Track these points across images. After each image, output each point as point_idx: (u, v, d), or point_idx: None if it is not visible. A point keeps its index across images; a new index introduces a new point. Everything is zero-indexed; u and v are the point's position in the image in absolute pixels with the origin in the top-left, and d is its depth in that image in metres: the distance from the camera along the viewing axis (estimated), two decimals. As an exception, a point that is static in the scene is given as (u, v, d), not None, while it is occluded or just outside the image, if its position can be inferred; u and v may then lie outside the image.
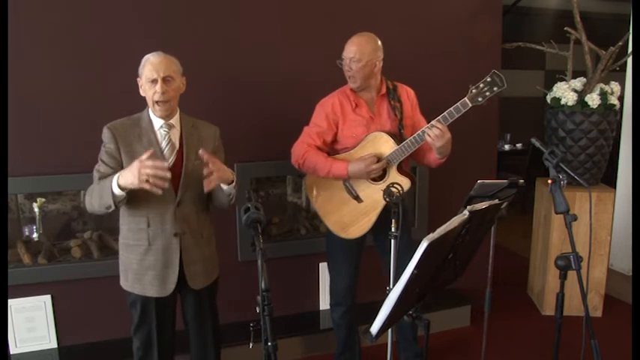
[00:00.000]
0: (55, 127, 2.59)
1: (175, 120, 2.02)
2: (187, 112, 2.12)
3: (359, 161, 2.33)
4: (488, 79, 2.22)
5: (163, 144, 1.99)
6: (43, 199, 2.88)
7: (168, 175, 1.78)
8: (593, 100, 3.25)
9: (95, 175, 1.96)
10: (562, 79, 3.43)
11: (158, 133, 1.99)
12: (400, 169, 2.38)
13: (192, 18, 2.72)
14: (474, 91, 2.23)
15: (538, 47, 3.56)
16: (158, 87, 1.91)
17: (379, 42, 2.36)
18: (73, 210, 2.98)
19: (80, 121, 2.58)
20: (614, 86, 3.35)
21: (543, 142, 2.09)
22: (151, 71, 1.91)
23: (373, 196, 2.36)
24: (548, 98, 3.45)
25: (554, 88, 3.42)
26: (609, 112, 3.31)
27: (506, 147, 6.30)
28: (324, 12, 2.93)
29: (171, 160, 1.98)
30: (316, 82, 2.95)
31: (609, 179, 3.91)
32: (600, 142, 3.35)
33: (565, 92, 3.32)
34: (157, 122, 2.00)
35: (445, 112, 2.23)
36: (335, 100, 2.43)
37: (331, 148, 2.48)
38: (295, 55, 2.91)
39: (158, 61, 1.92)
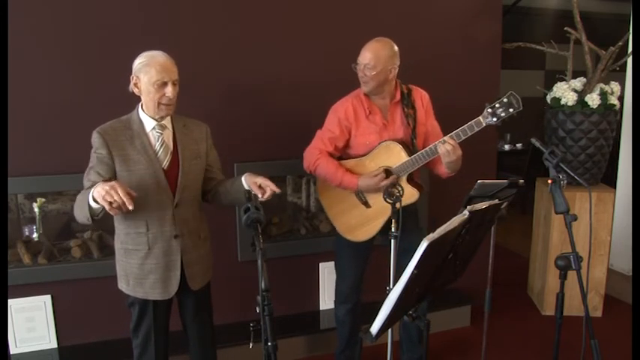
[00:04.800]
0: (55, 127, 2.59)
1: (167, 121, 1.98)
2: (187, 112, 2.11)
3: (369, 178, 2.32)
4: (505, 100, 2.15)
5: (157, 146, 1.94)
6: (43, 199, 2.87)
7: (130, 207, 1.67)
8: (593, 100, 3.25)
9: (86, 184, 1.89)
10: (562, 79, 3.43)
11: (150, 135, 1.94)
12: (410, 180, 2.36)
13: (193, 18, 2.71)
14: (489, 110, 2.17)
15: (538, 47, 3.55)
16: (169, 91, 1.88)
17: (396, 48, 2.31)
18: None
19: (80, 121, 2.57)
20: (614, 86, 3.35)
21: (543, 142, 2.08)
22: (160, 73, 1.85)
23: (382, 203, 2.31)
24: (548, 98, 3.45)
25: (554, 88, 3.42)
26: (609, 112, 3.31)
27: (506, 147, 6.30)
28: (324, 13, 2.93)
29: (167, 162, 1.95)
30: (316, 83, 2.96)
31: (609, 179, 3.91)
32: (600, 142, 3.35)
33: (565, 92, 3.32)
34: (149, 124, 1.94)
35: (459, 130, 2.20)
36: (348, 106, 2.39)
37: (343, 152, 2.47)
38: (295, 55, 2.91)
39: (167, 64, 1.87)
